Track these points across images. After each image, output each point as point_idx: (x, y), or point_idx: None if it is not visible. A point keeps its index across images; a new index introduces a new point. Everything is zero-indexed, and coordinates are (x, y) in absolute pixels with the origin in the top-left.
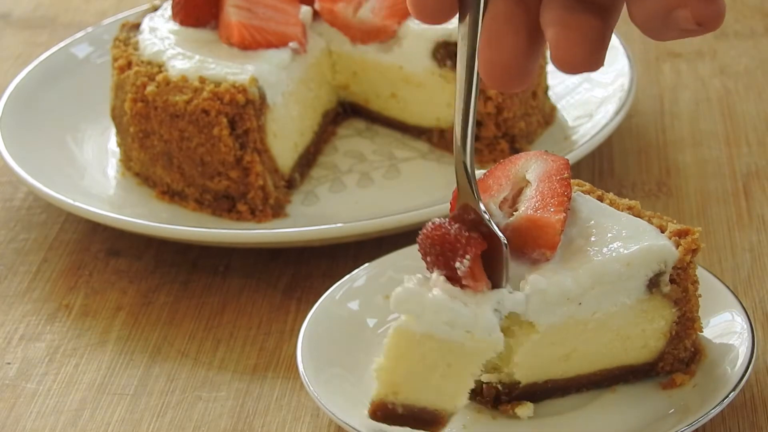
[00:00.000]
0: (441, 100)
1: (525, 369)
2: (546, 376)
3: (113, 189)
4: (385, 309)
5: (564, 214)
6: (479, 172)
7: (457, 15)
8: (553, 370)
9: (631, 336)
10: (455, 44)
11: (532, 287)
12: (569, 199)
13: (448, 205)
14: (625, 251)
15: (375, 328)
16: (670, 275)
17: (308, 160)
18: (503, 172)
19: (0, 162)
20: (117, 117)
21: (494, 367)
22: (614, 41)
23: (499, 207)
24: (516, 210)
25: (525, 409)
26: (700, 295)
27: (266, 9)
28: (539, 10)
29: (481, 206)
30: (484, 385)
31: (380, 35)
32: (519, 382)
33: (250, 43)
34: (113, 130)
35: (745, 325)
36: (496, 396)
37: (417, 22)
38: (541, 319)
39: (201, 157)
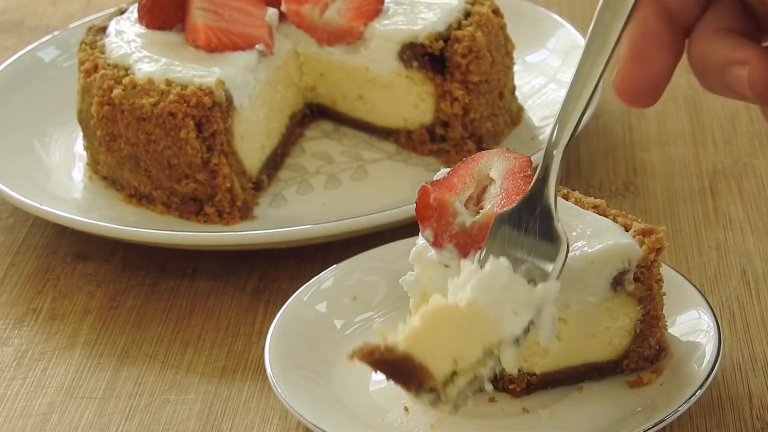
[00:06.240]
0: (408, 101)
1: None
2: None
3: (80, 192)
4: (352, 310)
5: None
6: (443, 171)
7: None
8: None
9: (596, 334)
10: (421, 45)
11: None
12: None
13: (414, 206)
14: (590, 249)
15: (342, 330)
16: (634, 273)
17: (275, 162)
18: (467, 170)
19: None
20: (84, 120)
21: None
22: (579, 40)
23: (465, 205)
24: (482, 208)
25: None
26: (664, 294)
27: (232, 11)
28: (683, 31)
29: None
30: None
31: (347, 37)
32: None
33: (217, 46)
34: (80, 134)
35: (712, 323)
36: None
37: (383, 23)
38: None
39: (168, 160)
